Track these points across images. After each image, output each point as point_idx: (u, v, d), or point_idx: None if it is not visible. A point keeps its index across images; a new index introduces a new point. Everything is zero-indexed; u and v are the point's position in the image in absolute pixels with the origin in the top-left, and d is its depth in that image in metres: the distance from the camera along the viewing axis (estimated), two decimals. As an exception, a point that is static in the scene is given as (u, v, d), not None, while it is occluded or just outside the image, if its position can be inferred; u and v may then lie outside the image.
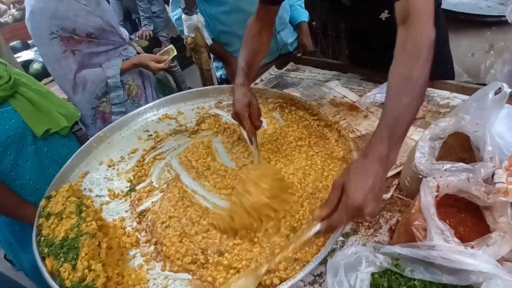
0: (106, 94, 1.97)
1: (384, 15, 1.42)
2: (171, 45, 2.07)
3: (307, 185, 1.09)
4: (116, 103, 1.99)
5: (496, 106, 1.04)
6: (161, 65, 1.94)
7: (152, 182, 1.24)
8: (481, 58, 2.77)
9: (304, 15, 2.20)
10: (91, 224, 0.97)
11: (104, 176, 1.29)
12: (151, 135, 1.45)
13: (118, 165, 1.34)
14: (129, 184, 1.25)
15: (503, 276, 0.71)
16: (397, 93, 0.89)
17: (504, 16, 2.63)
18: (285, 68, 1.99)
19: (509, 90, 1.02)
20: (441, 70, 1.69)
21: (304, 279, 0.92)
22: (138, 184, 1.25)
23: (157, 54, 2.04)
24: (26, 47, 4.23)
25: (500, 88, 1.03)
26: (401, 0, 0.98)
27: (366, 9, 1.43)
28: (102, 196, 1.22)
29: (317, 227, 0.79)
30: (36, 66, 3.40)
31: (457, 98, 1.52)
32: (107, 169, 1.32)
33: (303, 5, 2.24)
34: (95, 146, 1.39)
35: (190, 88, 4.11)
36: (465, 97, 1.50)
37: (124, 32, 2.11)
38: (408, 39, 0.93)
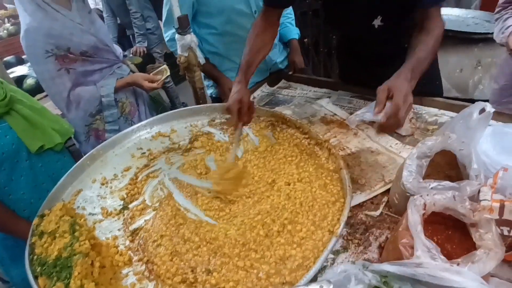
0: (100, 112, 1.98)
1: (377, 22, 1.46)
2: (165, 65, 2.10)
3: (296, 190, 1.13)
4: (110, 121, 2.01)
5: (481, 125, 1.07)
6: (154, 85, 1.96)
7: (145, 200, 1.25)
8: (469, 73, 2.84)
9: (294, 32, 2.25)
10: (84, 243, 0.98)
11: (97, 194, 1.30)
12: (144, 152, 1.46)
13: (111, 183, 1.34)
14: (122, 202, 1.26)
15: (488, 293, 0.73)
16: (421, 49, 1.22)
17: (491, 33, 2.70)
18: (277, 86, 2.02)
19: (492, 110, 1.05)
20: (430, 86, 1.73)
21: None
22: (131, 202, 1.26)
23: (151, 73, 2.07)
24: (20, 62, 4.24)
25: (484, 108, 1.07)
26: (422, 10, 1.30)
27: (359, 14, 1.46)
28: (95, 214, 1.22)
29: (379, 117, 1.10)
30: (30, 81, 3.39)
31: (445, 115, 1.56)
32: (100, 187, 1.32)
33: (293, 22, 2.28)
34: (88, 164, 1.39)
35: (183, 103, 4.14)
36: (453, 114, 1.54)
37: (118, 50, 2.14)
38: (426, 27, 1.27)
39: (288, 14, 2.26)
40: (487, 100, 2.60)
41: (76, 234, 1.02)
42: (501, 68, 2.27)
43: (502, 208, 0.89)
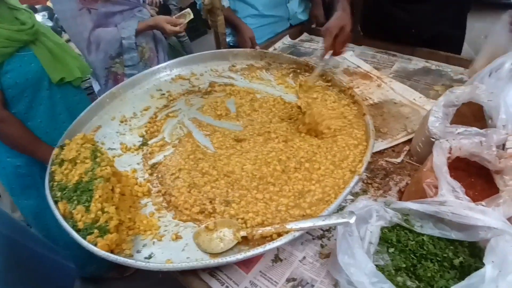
0: (120, 55, 1.96)
1: None
2: (188, 9, 2.03)
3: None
4: (129, 65, 1.98)
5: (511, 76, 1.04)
6: (177, 28, 1.91)
7: (165, 138, 1.25)
8: (494, 41, 2.75)
9: None
10: (106, 168, 0.98)
11: (116, 131, 1.30)
12: (163, 94, 1.45)
13: (130, 121, 1.34)
14: (141, 138, 1.26)
15: None
16: None
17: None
18: (298, 39, 1.98)
19: (526, 60, 1.02)
20: (457, 29, 1.73)
21: (313, 233, 0.94)
22: (150, 139, 1.26)
23: (174, 17, 2.02)
24: (34, 11, 4.19)
25: (518, 58, 1.04)
26: None
27: None
28: (114, 149, 1.23)
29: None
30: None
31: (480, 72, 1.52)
32: (120, 124, 1.33)
33: None
34: (108, 102, 1.40)
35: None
36: (479, 74, 1.50)
37: None
38: None
39: None
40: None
41: (98, 160, 1.02)
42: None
43: (528, 156, 0.88)
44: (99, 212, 0.89)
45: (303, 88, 1.34)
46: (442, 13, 1.55)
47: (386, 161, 1.11)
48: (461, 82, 1.47)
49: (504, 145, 0.93)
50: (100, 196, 0.91)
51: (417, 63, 1.62)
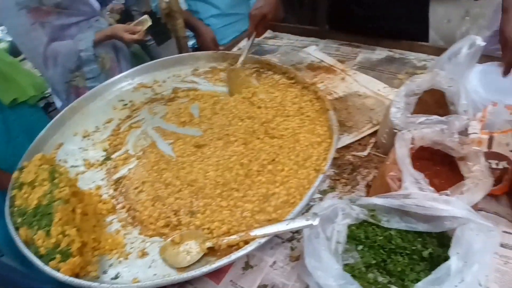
0: (79, 68, 1.91)
1: None
2: (146, 15, 1.97)
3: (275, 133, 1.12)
4: (90, 78, 1.93)
5: (470, 60, 1.05)
6: (135, 36, 1.87)
7: (128, 150, 1.22)
8: (457, 24, 2.80)
9: None
10: (64, 189, 0.95)
11: (79, 147, 1.26)
12: (126, 104, 1.41)
13: (93, 135, 1.30)
14: (104, 153, 1.23)
15: (476, 220, 0.72)
16: None
17: (480, -19, 2.64)
18: (263, 36, 1.95)
19: (482, 43, 1.02)
20: (418, 26, 1.72)
21: (282, 236, 0.93)
22: (113, 152, 1.22)
23: (132, 24, 1.97)
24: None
25: (474, 42, 1.04)
26: None
27: None
28: (78, 166, 1.19)
29: None
30: (3, 45, 3.26)
31: (433, 61, 1.52)
32: (82, 140, 1.29)
33: None
34: (68, 117, 1.35)
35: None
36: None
37: (95, 3, 2.03)
38: None
39: None
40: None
41: (56, 181, 0.99)
42: (495, 13, 2.23)
43: (490, 140, 0.88)
44: (60, 236, 0.85)
45: (231, 76, 1.39)
46: (399, 8, 1.55)
47: (352, 155, 1.10)
48: (424, 68, 1.47)
49: (466, 130, 0.92)
50: (60, 219, 0.88)
51: (381, 53, 1.62)
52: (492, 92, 1.05)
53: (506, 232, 0.89)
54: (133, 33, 1.83)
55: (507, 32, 1.09)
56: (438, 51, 1.56)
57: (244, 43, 1.89)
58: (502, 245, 0.86)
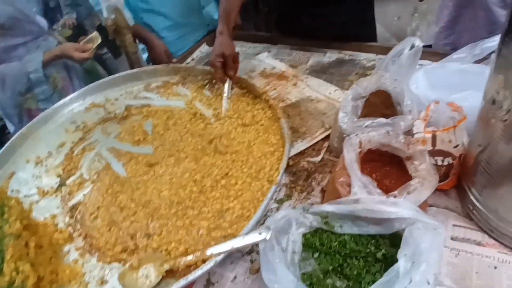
0: (30, 90, 1.85)
1: None
2: (95, 32, 1.92)
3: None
4: (42, 99, 1.88)
5: (412, 60, 1.08)
6: (85, 55, 1.81)
7: (83, 174, 1.19)
8: (407, 21, 2.90)
9: None
10: (15, 224, 0.92)
11: (32, 175, 1.22)
12: (78, 126, 1.38)
13: (46, 161, 1.27)
14: (58, 179, 1.19)
15: (423, 220, 0.74)
16: None
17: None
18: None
19: (421, 44, 1.06)
20: (366, 29, 1.77)
21: (241, 249, 0.92)
22: (68, 178, 1.19)
23: (81, 42, 1.92)
24: None
25: (413, 43, 1.07)
26: None
27: None
28: (31, 195, 1.16)
29: None
30: None
31: (382, 60, 1.56)
32: (35, 167, 1.25)
33: None
34: (19, 144, 1.31)
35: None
36: (390, 57, 1.56)
37: (42, 21, 1.97)
38: None
39: None
40: (427, 47, 2.68)
41: (5, 216, 0.95)
42: (440, 10, 2.33)
43: (434, 138, 0.92)
44: (14, 273, 0.83)
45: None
46: (345, 15, 1.58)
47: (307, 161, 1.12)
48: (373, 68, 1.51)
49: (412, 130, 0.96)
50: (11, 256, 0.85)
51: (331, 55, 1.65)
52: (435, 90, 1.09)
53: (456, 226, 0.93)
54: (83, 51, 1.79)
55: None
56: (386, 50, 1.59)
57: (197, 54, 1.89)
58: (452, 238, 0.90)
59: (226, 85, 1.34)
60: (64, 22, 3.60)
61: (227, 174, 1.01)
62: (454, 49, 2.15)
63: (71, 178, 1.19)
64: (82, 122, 1.39)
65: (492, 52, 1.19)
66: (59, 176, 1.20)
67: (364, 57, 1.61)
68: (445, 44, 2.29)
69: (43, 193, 1.15)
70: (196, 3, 1.99)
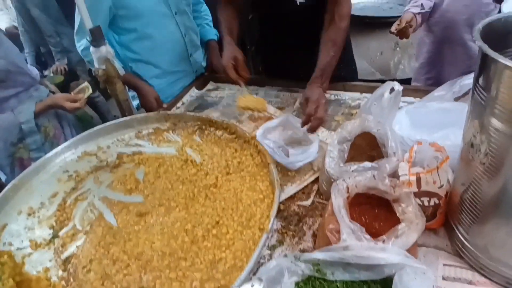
0: (22, 140, 1.86)
1: None
2: (86, 83, 1.97)
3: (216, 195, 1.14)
4: (34, 149, 1.88)
5: (393, 103, 1.12)
6: (77, 105, 1.84)
7: (76, 225, 1.19)
8: (389, 55, 2.98)
9: (212, 33, 2.24)
10: (8, 282, 0.92)
11: (24, 226, 1.22)
12: (71, 175, 1.39)
13: (38, 212, 1.26)
14: (51, 230, 1.19)
15: (412, 264, 0.76)
16: (330, 50, 1.44)
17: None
18: (205, 89, 2.00)
19: (401, 88, 1.11)
20: (347, 70, 1.84)
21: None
22: (61, 229, 1.19)
23: (72, 93, 1.95)
24: None
25: (393, 87, 1.12)
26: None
27: None
28: (24, 248, 1.14)
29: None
30: None
31: (366, 98, 1.61)
32: (27, 218, 1.24)
33: (211, 23, 2.28)
34: (11, 195, 1.30)
35: (115, 116, 4.00)
36: (374, 96, 1.61)
37: (34, 71, 2.01)
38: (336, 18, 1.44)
39: (205, 16, 2.26)
40: (409, 79, 2.77)
41: (-2, 273, 0.95)
42: (419, 47, 2.42)
43: (419, 180, 0.94)
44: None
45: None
46: None
47: (298, 205, 1.13)
48: (358, 107, 1.55)
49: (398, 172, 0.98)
50: (5, 314, 0.85)
51: (317, 96, 1.69)
52: (417, 130, 1.12)
53: (447, 265, 0.94)
54: (74, 101, 1.82)
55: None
56: (369, 88, 1.67)
57: (187, 98, 1.93)
58: (444, 278, 0.91)
59: (243, 87, 1.55)
60: (56, 68, 3.66)
61: (218, 222, 1.02)
62: (435, 83, 2.25)
63: (64, 229, 1.18)
64: (74, 171, 1.40)
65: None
66: (52, 227, 1.20)
67: (349, 97, 1.65)
68: (426, 78, 2.38)
69: (36, 246, 1.14)
70: (184, 51, 2.05)
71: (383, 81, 2.19)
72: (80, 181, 1.36)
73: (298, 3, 1.53)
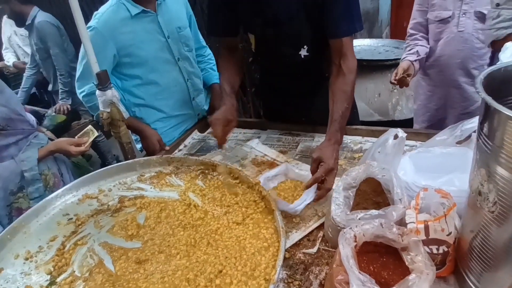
0: (22, 189, 1.82)
1: (303, 52, 1.57)
2: (90, 126, 1.96)
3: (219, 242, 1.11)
4: (36, 197, 1.84)
5: (397, 149, 1.13)
6: (82, 148, 1.84)
7: (74, 272, 1.16)
8: (387, 97, 3.04)
9: (215, 77, 2.29)
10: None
11: (20, 271, 1.18)
12: (71, 218, 1.36)
13: (36, 256, 1.23)
14: (49, 276, 1.15)
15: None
16: (343, 102, 1.39)
17: (400, 58, 2.94)
18: (207, 132, 2.02)
19: (404, 135, 1.11)
20: (350, 113, 1.83)
21: None
22: (59, 275, 1.15)
23: (76, 137, 1.94)
24: None
25: (397, 134, 1.13)
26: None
27: (288, 45, 1.58)
28: (19, 295, 1.11)
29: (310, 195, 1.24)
30: None
31: (368, 142, 1.63)
32: (24, 263, 1.21)
33: (215, 67, 2.33)
34: (9, 239, 1.27)
35: (114, 155, 4.00)
36: (376, 139, 1.61)
37: (31, 118, 2.00)
38: (343, 70, 1.43)
39: (209, 60, 2.31)
40: (407, 120, 2.80)
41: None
42: (416, 89, 2.47)
43: (427, 228, 0.93)
44: None
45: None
46: (322, 104, 1.66)
47: (303, 253, 1.11)
48: (360, 151, 1.56)
49: (404, 219, 0.97)
50: None
51: (319, 139, 1.71)
52: (422, 175, 1.13)
53: (458, 313, 0.91)
54: (78, 145, 1.80)
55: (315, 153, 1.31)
56: (371, 133, 1.68)
57: (189, 140, 1.94)
58: (455, 328, 0.88)
59: (223, 149, 1.49)
60: (60, 107, 3.70)
61: (221, 271, 0.99)
62: (434, 125, 2.28)
63: (62, 276, 1.15)
64: (74, 214, 1.37)
65: (473, 132, 1.25)
66: (49, 273, 1.16)
67: (350, 140, 1.66)
68: (422, 121, 2.42)
69: (32, 293, 1.11)
70: (187, 95, 2.09)
71: (382, 123, 2.22)
72: (80, 224, 1.34)
73: (303, 56, 1.56)
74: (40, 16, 3.56)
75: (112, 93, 1.64)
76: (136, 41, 1.82)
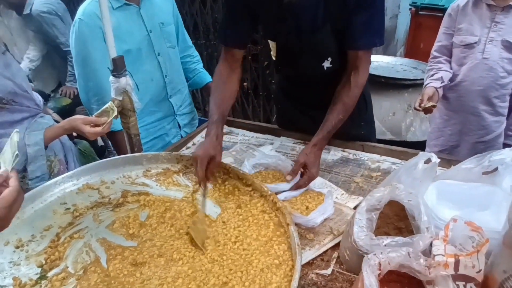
0: (25, 170, 1.73)
1: (326, 64, 1.51)
2: (111, 103, 1.58)
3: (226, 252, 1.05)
4: (37, 177, 1.73)
5: (427, 175, 1.06)
6: (99, 129, 1.54)
7: (67, 267, 1.08)
8: (401, 117, 2.97)
9: (209, 77, 2.30)
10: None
11: (9, 260, 1.10)
12: (68, 208, 1.28)
13: (27, 245, 1.15)
14: (39, 270, 1.08)
15: None
16: (339, 112, 1.41)
17: (419, 79, 2.88)
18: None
19: (438, 160, 1.05)
20: (368, 129, 1.80)
21: None
22: (50, 269, 1.08)
23: (94, 115, 1.62)
24: None
25: (430, 158, 1.06)
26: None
27: (312, 57, 1.52)
28: (5, 286, 1.03)
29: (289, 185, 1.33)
30: None
31: (386, 161, 1.56)
32: (14, 251, 1.13)
33: (201, 65, 2.36)
34: (0, 224, 1.20)
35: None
36: (394, 159, 1.57)
37: (38, 98, 1.92)
38: (351, 80, 1.43)
39: (197, 61, 2.33)
40: (419, 142, 2.74)
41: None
42: (432, 112, 2.41)
43: (457, 263, 0.86)
44: None
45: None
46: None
47: (316, 273, 1.04)
48: (378, 171, 1.50)
49: (430, 248, 0.90)
50: None
51: (335, 153, 1.64)
52: (449, 207, 1.06)
53: None
54: (96, 125, 1.56)
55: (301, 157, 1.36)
56: (389, 152, 1.61)
57: (198, 139, 1.87)
58: None
59: (205, 189, 1.26)
60: (66, 90, 3.60)
61: (226, 285, 0.91)
62: (442, 151, 2.23)
63: (54, 270, 1.07)
64: (73, 204, 1.30)
65: (501, 164, 1.19)
66: (40, 266, 1.09)
67: (368, 158, 1.60)
68: (434, 145, 2.36)
69: (20, 285, 1.03)
70: (163, 92, 2.09)
71: (394, 142, 2.16)
72: (78, 216, 1.26)
73: (326, 68, 1.51)
74: (37, 4, 3.37)
75: (126, 81, 1.56)
76: (119, 32, 1.78)
